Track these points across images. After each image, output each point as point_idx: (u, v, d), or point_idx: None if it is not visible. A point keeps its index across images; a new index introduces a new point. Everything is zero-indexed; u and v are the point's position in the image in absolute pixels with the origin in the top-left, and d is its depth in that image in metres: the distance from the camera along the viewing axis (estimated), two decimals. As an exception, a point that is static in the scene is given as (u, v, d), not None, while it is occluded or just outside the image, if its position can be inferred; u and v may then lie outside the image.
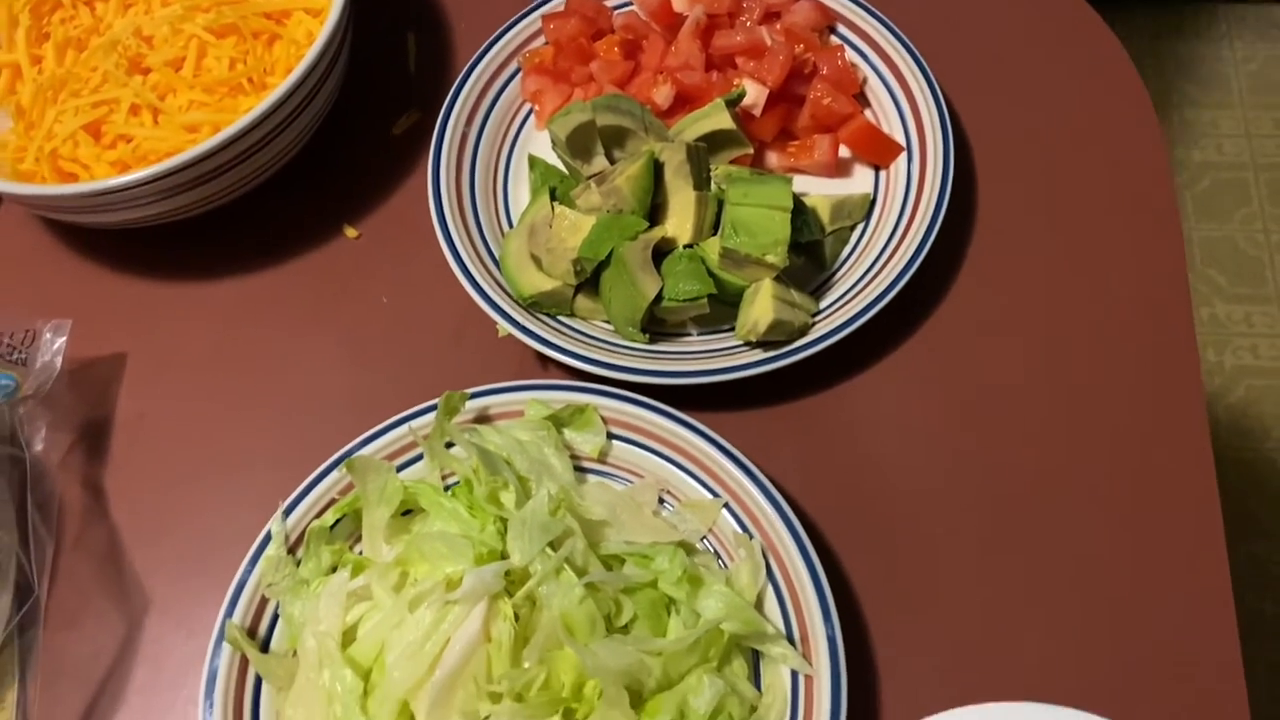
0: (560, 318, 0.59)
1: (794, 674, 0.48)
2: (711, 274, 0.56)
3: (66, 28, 0.68)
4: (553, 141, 0.61)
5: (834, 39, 0.66)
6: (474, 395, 0.55)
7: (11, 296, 0.65)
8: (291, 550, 0.52)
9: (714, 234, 0.58)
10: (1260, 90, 1.80)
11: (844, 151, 0.63)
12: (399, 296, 0.63)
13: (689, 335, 0.59)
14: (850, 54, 0.64)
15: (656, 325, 0.58)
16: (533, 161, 0.63)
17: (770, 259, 0.55)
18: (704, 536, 0.52)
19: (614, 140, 0.60)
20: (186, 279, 0.65)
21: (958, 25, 0.70)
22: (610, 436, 0.55)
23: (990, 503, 0.54)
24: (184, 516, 0.58)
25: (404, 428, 0.54)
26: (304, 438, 0.59)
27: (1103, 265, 0.60)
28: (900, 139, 0.62)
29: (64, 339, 0.59)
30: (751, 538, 0.51)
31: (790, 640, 0.48)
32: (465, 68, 0.66)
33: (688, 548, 0.51)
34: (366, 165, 0.68)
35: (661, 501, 0.54)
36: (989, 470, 0.55)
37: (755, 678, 0.49)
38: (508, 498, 0.51)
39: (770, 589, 0.50)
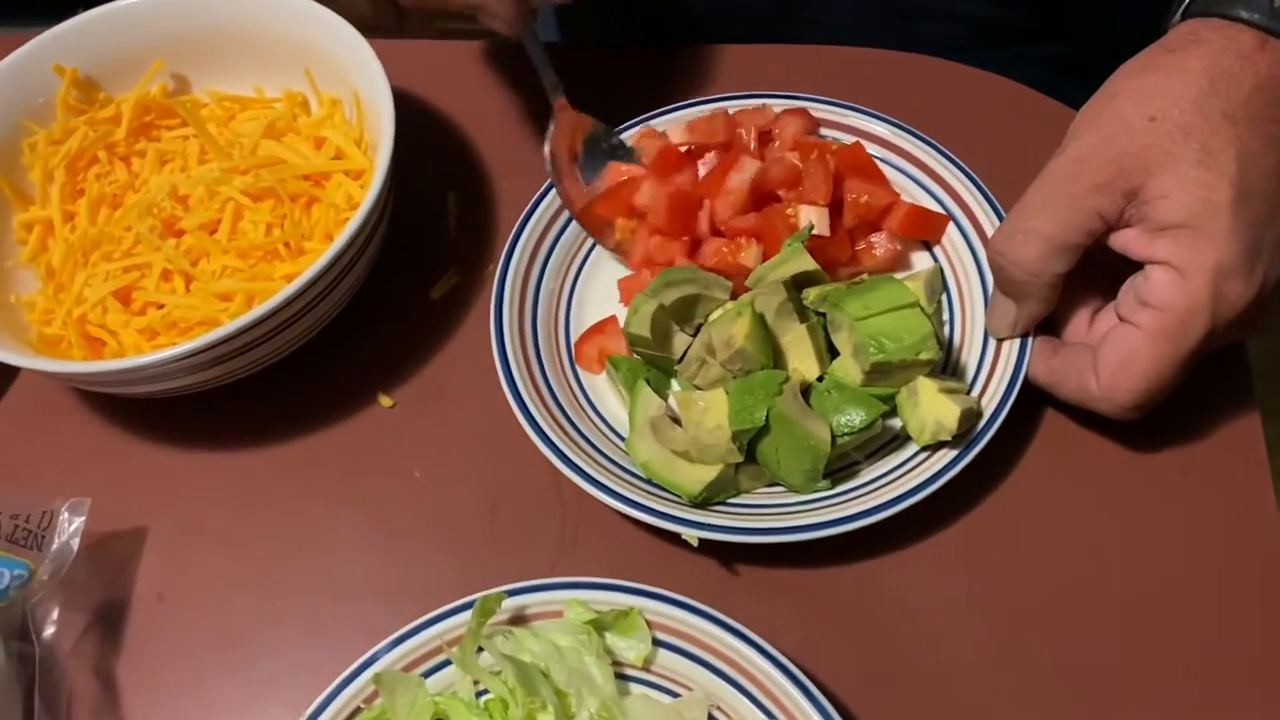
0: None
1: None
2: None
3: (102, 184, 0.67)
4: (631, 343, 0.58)
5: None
6: (511, 593, 0.51)
7: (29, 466, 0.62)
8: (312, 763, 0.48)
9: (831, 359, 0.56)
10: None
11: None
12: (432, 470, 0.60)
13: (858, 465, 0.56)
14: None
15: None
16: (615, 362, 0.59)
17: (924, 356, 0.52)
18: (757, 761, 0.48)
19: (679, 314, 0.58)
20: (212, 448, 0.62)
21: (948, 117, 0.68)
22: (656, 643, 0.51)
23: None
24: (200, 713, 0.55)
25: (434, 629, 0.51)
26: (330, 622, 0.56)
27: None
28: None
29: (82, 519, 0.56)
30: (810, 767, 0.47)
31: None
32: (518, 223, 0.64)
33: (740, 775, 0.47)
34: (403, 330, 0.65)
35: (712, 719, 0.50)
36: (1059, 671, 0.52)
37: None
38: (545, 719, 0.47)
39: (830, 827, 0.46)
